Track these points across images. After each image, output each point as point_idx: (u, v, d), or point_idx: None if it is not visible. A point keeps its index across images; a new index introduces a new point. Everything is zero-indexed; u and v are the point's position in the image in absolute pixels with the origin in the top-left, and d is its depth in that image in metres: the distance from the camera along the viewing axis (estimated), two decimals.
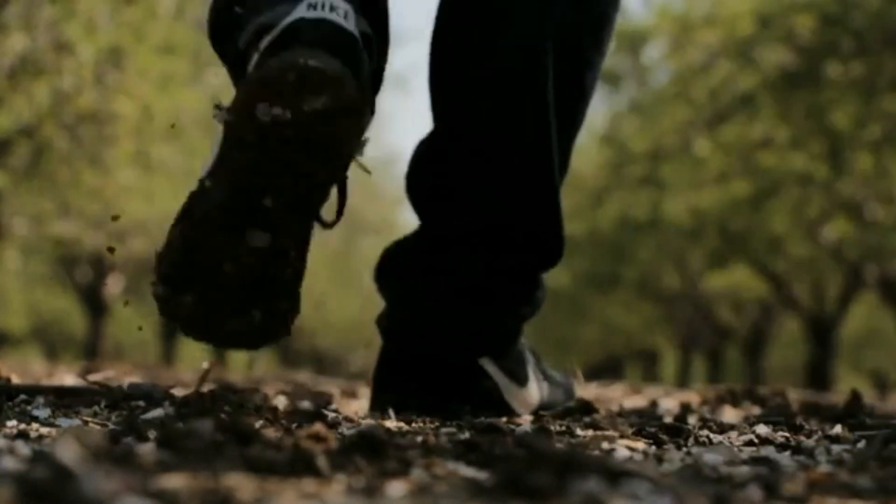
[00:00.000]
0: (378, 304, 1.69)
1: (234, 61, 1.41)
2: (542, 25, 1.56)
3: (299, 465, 0.86)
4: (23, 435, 1.14)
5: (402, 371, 1.59)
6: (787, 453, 1.20)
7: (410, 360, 1.59)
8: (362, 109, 1.30)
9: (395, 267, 1.65)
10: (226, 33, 1.42)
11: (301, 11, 1.31)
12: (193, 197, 1.30)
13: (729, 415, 1.94)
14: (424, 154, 1.62)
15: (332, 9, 1.31)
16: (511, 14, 1.57)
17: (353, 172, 1.36)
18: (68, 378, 2.49)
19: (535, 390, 1.66)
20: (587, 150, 11.84)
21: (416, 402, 1.54)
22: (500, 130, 1.57)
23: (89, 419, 1.30)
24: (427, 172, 1.62)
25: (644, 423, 1.49)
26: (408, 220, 13.59)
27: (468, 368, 1.58)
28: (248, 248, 1.30)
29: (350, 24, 1.31)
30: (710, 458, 1.09)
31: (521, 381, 1.63)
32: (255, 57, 1.33)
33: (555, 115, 1.57)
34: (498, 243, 1.58)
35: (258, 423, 1.22)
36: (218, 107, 1.31)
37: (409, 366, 1.59)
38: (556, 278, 14.23)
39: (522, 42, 1.56)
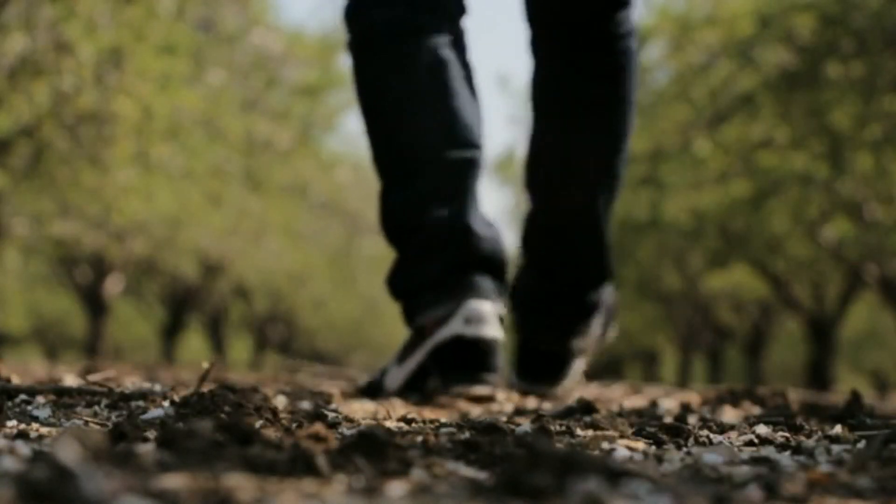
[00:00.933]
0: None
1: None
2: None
3: (299, 465, 0.86)
4: (23, 435, 1.14)
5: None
6: (787, 453, 1.20)
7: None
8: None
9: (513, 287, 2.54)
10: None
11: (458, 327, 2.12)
12: None
13: (729, 415, 1.94)
14: (529, 222, 2.50)
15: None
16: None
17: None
18: (68, 378, 2.49)
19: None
20: None
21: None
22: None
23: (89, 419, 1.30)
24: (530, 232, 2.50)
25: (644, 423, 1.49)
26: None
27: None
28: None
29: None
30: (710, 458, 1.09)
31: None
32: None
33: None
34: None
35: (258, 423, 1.22)
36: None
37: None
38: None
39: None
